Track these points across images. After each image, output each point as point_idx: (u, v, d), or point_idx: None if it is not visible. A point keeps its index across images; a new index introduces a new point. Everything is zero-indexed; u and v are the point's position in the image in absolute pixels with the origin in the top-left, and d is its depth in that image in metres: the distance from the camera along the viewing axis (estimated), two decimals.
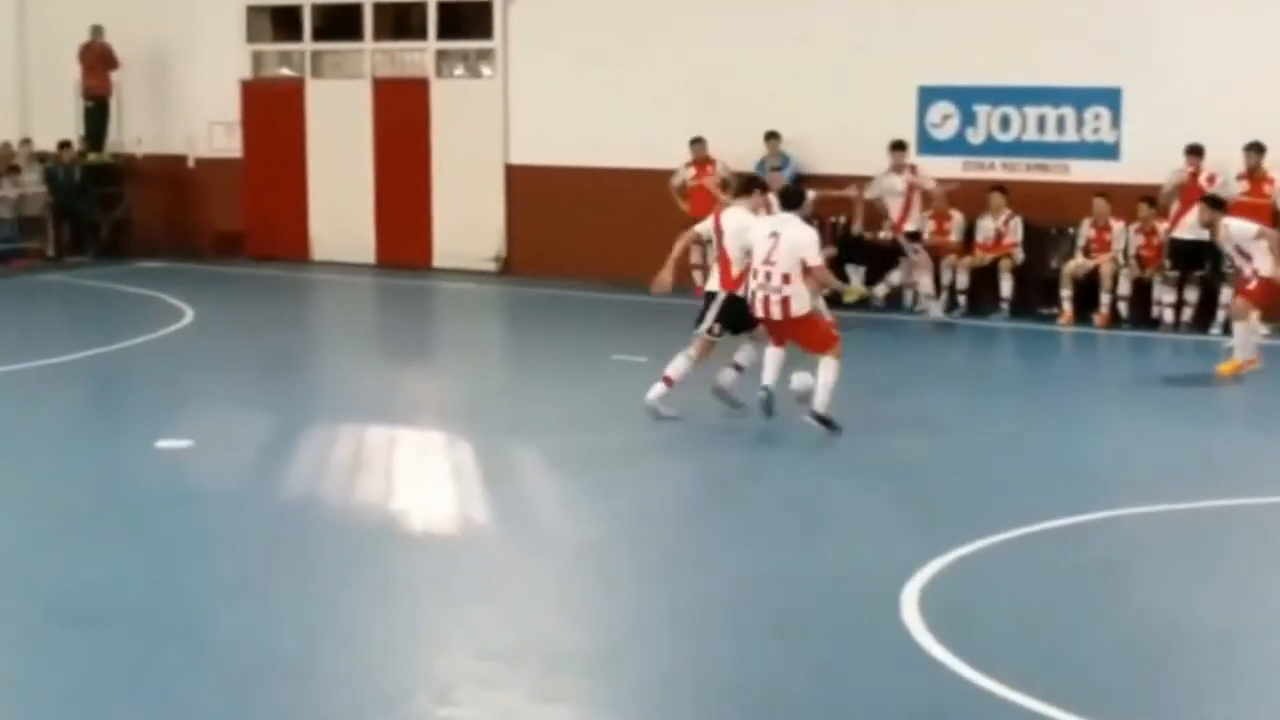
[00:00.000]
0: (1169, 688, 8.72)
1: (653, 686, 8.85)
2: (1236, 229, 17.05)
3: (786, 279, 14.37)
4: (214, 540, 11.63)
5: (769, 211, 15.44)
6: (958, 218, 21.92)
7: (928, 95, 22.22)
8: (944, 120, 22.21)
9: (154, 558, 11.08)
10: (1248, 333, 17.02)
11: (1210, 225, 17.37)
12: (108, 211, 27.37)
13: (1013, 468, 13.77)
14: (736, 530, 11.84)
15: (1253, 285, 17.06)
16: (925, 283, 21.23)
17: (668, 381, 14.95)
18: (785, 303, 14.43)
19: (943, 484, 13.26)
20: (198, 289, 23.02)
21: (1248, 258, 17.05)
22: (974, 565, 10.68)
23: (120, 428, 15.33)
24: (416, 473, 13.77)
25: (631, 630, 9.77)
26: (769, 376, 14.75)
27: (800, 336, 14.63)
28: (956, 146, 22.12)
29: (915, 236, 21.57)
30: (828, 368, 14.31)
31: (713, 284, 15.15)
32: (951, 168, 21.95)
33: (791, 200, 15.01)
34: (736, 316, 14.90)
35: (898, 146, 21.63)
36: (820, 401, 14.29)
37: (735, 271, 14.84)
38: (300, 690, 8.69)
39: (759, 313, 14.62)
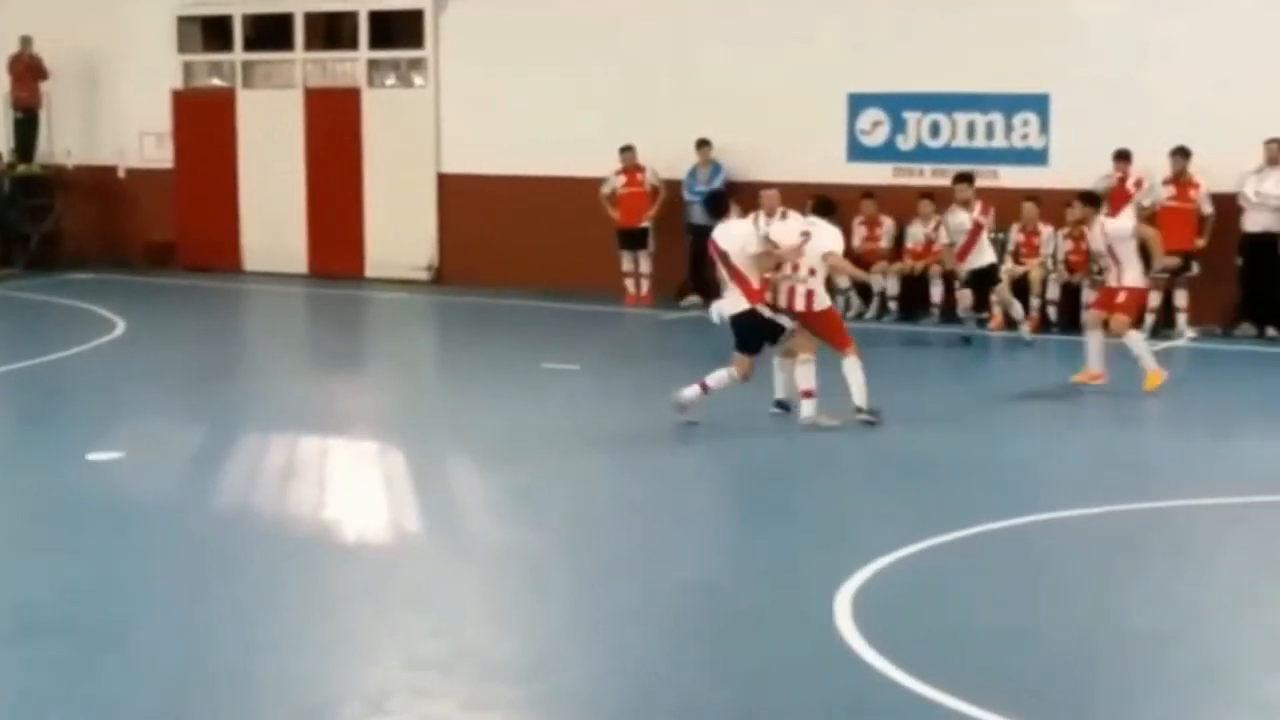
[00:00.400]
0: (1102, 689, 8.78)
1: (584, 693, 8.85)
2: (1113, 227, 16.80)
3: (812, 272, 15.12)
4: (147, 551, 11.57)
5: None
6: (888, 224, 22.01)
7: (858, 102, 22.31)
8: (874, 127, 22.31)
9: (87, 570, 10.99)
10: (1140, 343, 16.80)
11: (1083, 222, 17.31)
12: (37, 223, 27.22)
13: (947, 471, 13.84)
14: (671, 533, 11.86)
15: (1122, 298, 16.76)
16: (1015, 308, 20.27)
17: (704, 388, 14.97)
18: (809, 295, 15.13)
19: (879, 487, 13.33)
20: (129, 300, 22.90)
21: (1117, 261, 16.79)
22: (908, 569, 10.73)
23: (51, 439, 15.20)
24: (348, 482, 13.73)
25: (563, 637, 9.78)
26: (784, 390, 15.35)
27: (820, 329, 15.16)
28: (886, 153, 22.22)
29: (987, 274, 19.96)
30: (853, 367, 15.04)
31: (736, 304, 15.08)
32: (882, 174, 22.06)
33: (826, 210, 15.63)
34: (758, 333, 15.00)
35: (963, 179, 19.99)
36: (863, 398, 15.00)
37: (756, 282, 14.95)
38: (234, 700, 8.66)
39: (783, 302, 15.08)
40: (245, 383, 18.45)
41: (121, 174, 27.54)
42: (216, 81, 27.19)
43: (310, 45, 26.26)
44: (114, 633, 9.68)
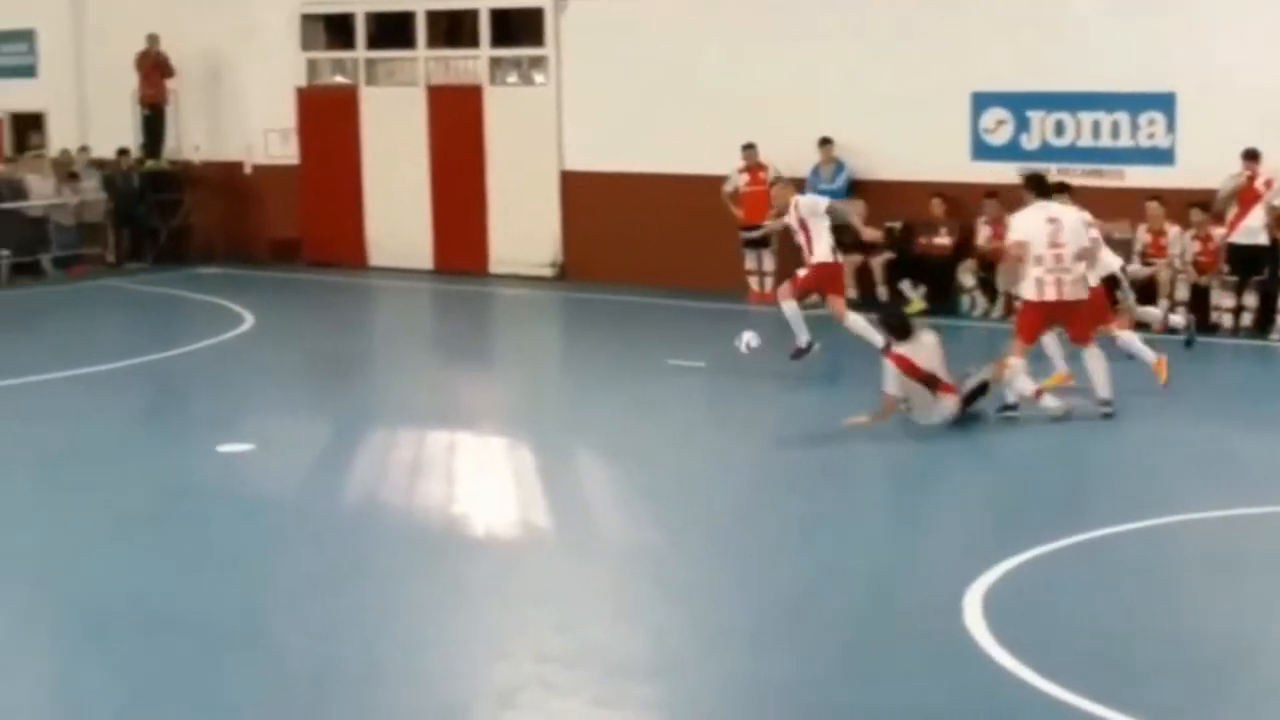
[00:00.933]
0: (1229, 698, 8.67)
1: (712, 693, 8.85)
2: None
3: (1079, 257, 14.89)
4: (275, 545, 11.70)
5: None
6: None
7: (981, 101, 22.14)
8: (997, 126, 22.13)
9: (216, 562, 11.15)
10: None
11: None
12: (166, 218, 27.51)
13: (1073, 473, 13.72)
14: (796, 534, 11.83)
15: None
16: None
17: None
18: (1081, 281, 14.97)
19: (1007, 488, 13.24)
20: (256, 294, 23.12)
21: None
22: (1037, 570, 10.64)
23: (182, 431, 15.40)
24: (474, 477, 13.82)
25: (689, 635, 9.77)
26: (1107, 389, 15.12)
27: (1083, 316, 15.04)
28: (1010, 152, 22.03)
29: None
30: (1095, 357, 15.01)
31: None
32: (1006, 173, 21.88)
33: (1046, 190, 15.38)
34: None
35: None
36: (1108, 387, 15.03)
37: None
38: (363, 696, 8.72)
39: (1051, 295, 14.81)
40: (371, 377, 18.60)
41: (248, 170, 27.81)
42: (340, 79, 27.38)
43: (432, 43, 26.37)
44: (242, 627, 9.81)
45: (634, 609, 10.35)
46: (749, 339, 16.36)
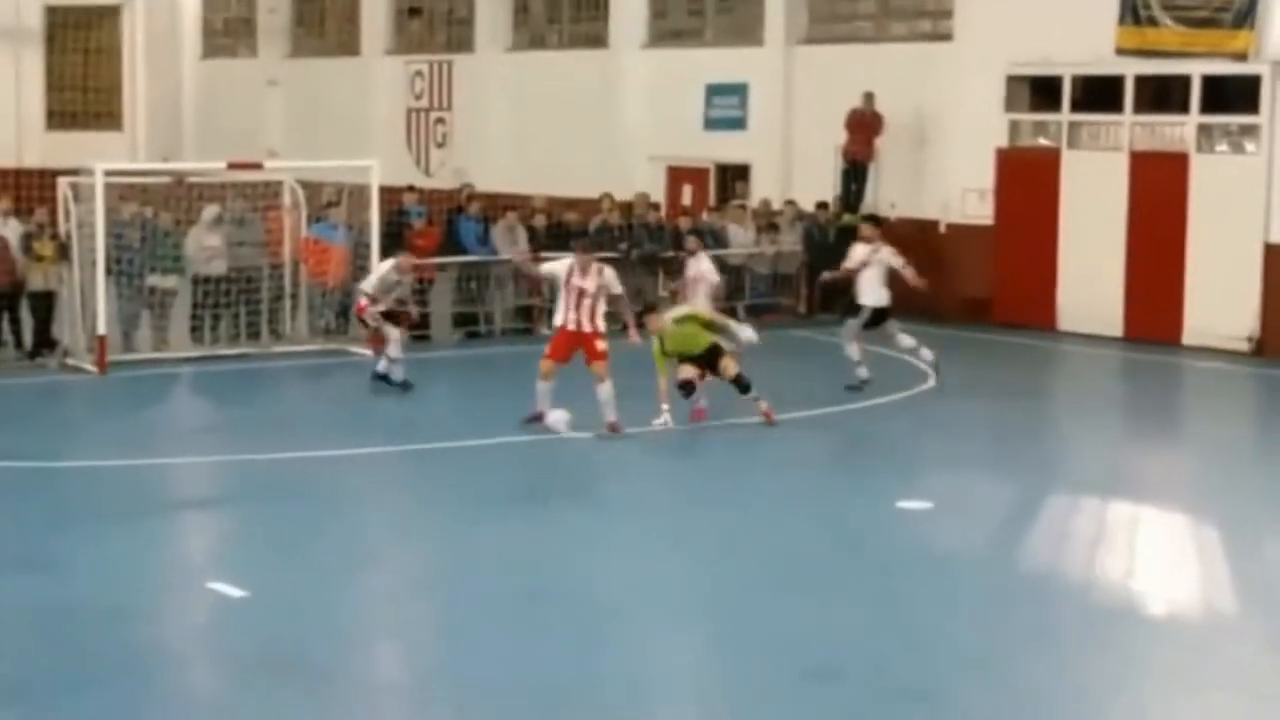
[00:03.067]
0: None
1: None
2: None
3: None
4: (951, 605, 11.56)
5: None
6: None
7: None
8: None
9: (892, 618, 11.11)
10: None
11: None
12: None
13: None
14: None
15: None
16: None
17: None
18: None
19: None
20: (944, 352, 23.01)
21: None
22: None
23: (863, 485, 15.44)
24: (1158, 552, 13.30)
25: None
26: None
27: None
28: None
29: None
30: None
31: None
32: None
33: None
34: None
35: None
36: None
37: None
38: None
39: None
40: (1054, 442, 18.21)
41: (943, 229, 27.81)
42: (1042, 141, 27.07)
43: (1139, 108, 25.74)
44: (918, 684, 9.67)
45: None
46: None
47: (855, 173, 28.11)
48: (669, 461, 16.65)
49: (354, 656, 10.39)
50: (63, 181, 22.23)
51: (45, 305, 21.80)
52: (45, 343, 21.82)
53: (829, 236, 27.45)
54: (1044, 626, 10.96)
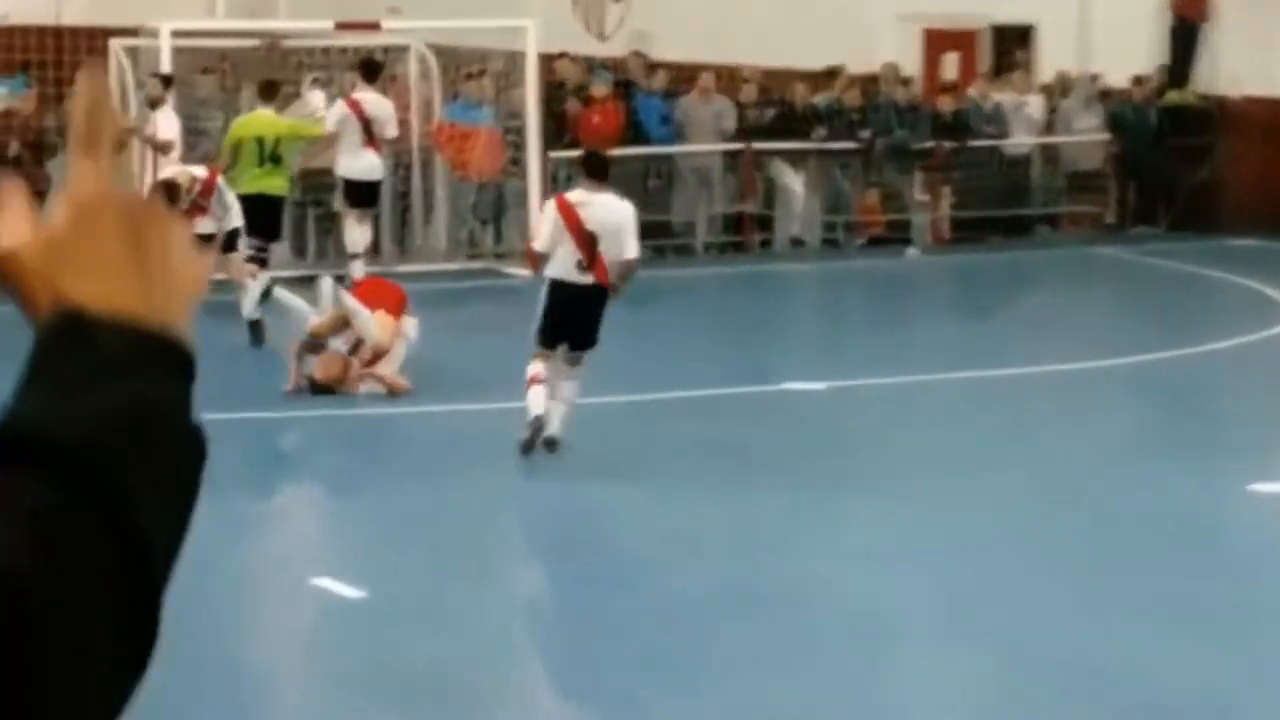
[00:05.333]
0: None
1: None
2: None
3: None
4: None
5: None
6: None
7: None
8: None
9: (1246, 642, 10.97)
10: None
11: None
12: (1189, 169, 27.23)
13: None
14: None
15: None
16: None
17: None
18: None
19: None
20: None
21: None
22: None
23: (1200, 459, 15.10)
24: None
25: None
26: None
27: None
28: None
29: None
30: None
31: None
32: None
33: None
34: None
35: None
36: None
37: None
38: None
39: None
40: None
41: None
42: None
43: None
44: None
45: None
46: None
47: (1185, 34, 27.53)
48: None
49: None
50: (115, 44, 22.36)
51: None
52: None
53: (1148, 120, 26.98)
54: None
